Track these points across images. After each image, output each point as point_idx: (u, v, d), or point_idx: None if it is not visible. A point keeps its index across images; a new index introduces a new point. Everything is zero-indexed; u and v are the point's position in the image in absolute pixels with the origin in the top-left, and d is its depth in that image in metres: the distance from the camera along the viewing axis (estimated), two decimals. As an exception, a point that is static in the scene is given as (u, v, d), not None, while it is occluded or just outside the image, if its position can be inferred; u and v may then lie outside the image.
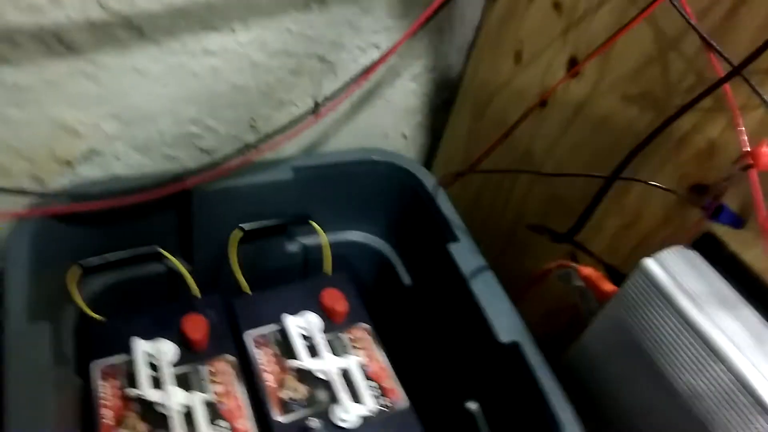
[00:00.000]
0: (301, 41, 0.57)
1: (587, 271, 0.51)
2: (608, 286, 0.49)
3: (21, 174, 0.54)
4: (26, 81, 0.48)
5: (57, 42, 0.47)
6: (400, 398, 0.57)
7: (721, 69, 0.40)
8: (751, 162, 0.36)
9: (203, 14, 0.51)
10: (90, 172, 0.57)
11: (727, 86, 0.40)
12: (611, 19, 0.48)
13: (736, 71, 0.38)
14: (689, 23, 0.41)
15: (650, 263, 0.43)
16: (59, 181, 0.56)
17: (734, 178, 0.40)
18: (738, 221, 0.42)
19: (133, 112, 0.54)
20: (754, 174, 0.37)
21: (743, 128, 0.39)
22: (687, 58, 0.45)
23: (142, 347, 0.54)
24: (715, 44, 0.40)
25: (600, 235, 0.54)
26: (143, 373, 0.52)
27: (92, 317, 0.56)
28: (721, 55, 0.40)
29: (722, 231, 0.44)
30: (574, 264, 0.52)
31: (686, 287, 0.42)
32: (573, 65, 0.53)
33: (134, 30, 0.49)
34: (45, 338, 0.43)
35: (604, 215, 0.53)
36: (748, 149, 0.38)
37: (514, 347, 0.52)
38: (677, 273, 0.43)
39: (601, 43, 0.47)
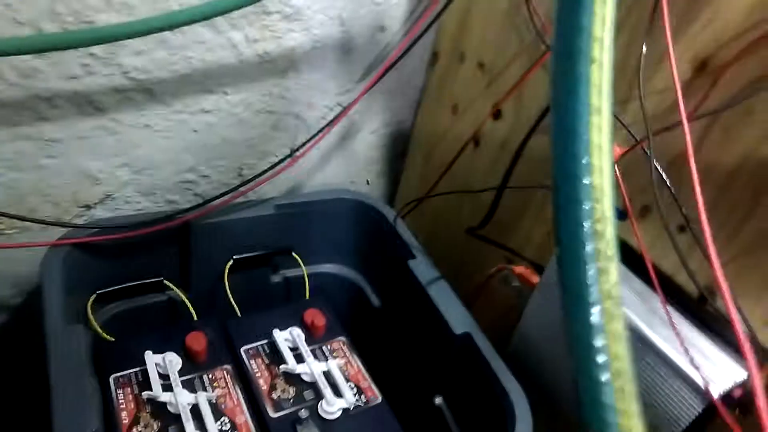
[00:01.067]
0: (280, 102, 0.70)
1: (519, 269, 0.63)
2: (536, 278, 0.61)
3: (46, 215, 0.64)
4: (59, 136, 0.60)
5: (87, 104, 0.59)
6: (376, 395, 0.66)
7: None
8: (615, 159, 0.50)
9: (202, 80, 0.64)
10: (103, 215, 0.68)
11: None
12: (519, 71, 0.64)
13: None
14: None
15: (562, 250, 0.56)
16: (78, 223, 0.66)
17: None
18: (622, 215, 0.55)
19: (142, 162, 0.66)
20: (618, 169, 0.51)
21: (615, 145, 0.53)
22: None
23: (153, 358, 0.63)
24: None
25: (530, 243, 0.67)
26: (155, 379, 0.61)
27: (105, 338, 0.64)
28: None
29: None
30: (509, 266, 0.64)
31: (590, 266, 0.55)
32: (496, 110, 0.68)
33: (148, 93, 0.61)
34: (82, 337, 0.52)
35: (533, 226, 0.66)
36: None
37: (467, 337, 0.63)
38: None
39: (510, 88, 0.62)
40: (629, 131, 0.51)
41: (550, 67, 0.20)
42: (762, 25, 0.43)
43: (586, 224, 0.18)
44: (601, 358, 0.18)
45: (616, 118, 0.53)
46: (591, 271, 0.18)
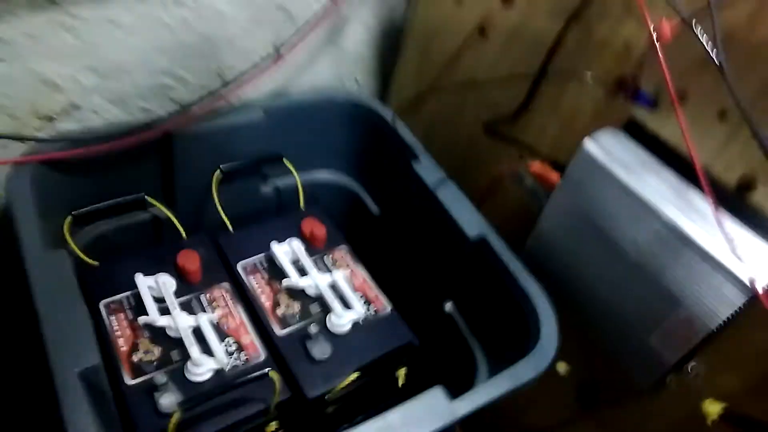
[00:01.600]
0: (262, -11, 0.62)
1: (536, 165, 0.59)
2: (555, 176, 0.57)
3: (3, 130, 0.56)
4: (8, 35, 0.51)
5: (39, -5, 0.50)
6: (384, 305, 0.63)
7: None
8: (655, 37, 0.45)
9: (172, -36, 0.55)
10: (69, 128, 0.60)
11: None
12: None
13: None
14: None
15: (588, 142, 0.52)
16: (40, 136, 0.58)
17: (645, 62, 0.48)
18: (652, 102, 0.51)
19: (108, 65, 0.58)
20: (659, 50, 0.45)
21: (648, 18, 0.48)
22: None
23: (144, 281, 0.58)
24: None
25: (543, 137, 0.62)
26: (150, 303, 0.56)
27: (87, 263, 0.59)
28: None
29: (642, 116, 0.53)
30: (523, 164, 0.60)
31: (619, 160, 0.51)
32: (505, -5, 0.61)
33: (109, -20, 0.53)
34: (66, 262, 0.47)
35: (546, 119, 0.61)
36: (652, 27, 0.46)
37: (482, 241, 0.59)
38: (611, 149, 0.52)
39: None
40: (673, 6, 0.45)
41: None
42: None
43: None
44: None
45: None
46: None
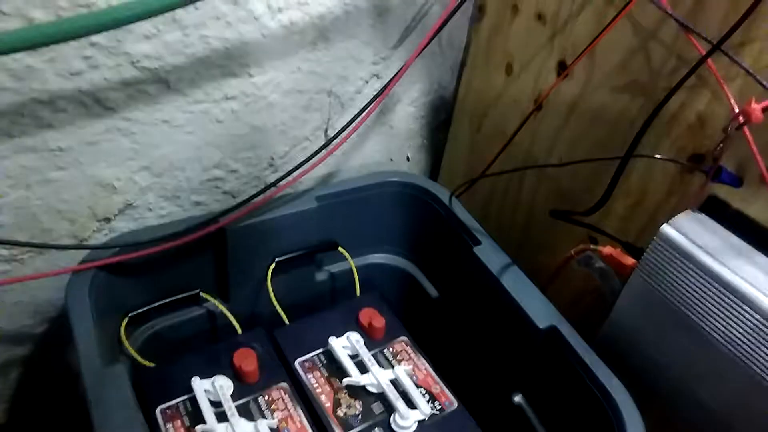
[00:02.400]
0: (311, 78, 0.61)
1: (607, 249, 0.55)
2: (629, 260, 0.53)
3: (62, 234, 0.56)
4: (67, 143, 0.51)
5: (95, 103, 0.50)
6: (451, 400, 0.59)
7: (701, 48, 0.46)
8: (743, 120, 0.41)
9: (222, 62, 0.55)
10: (125, 227, 0.60)
11: (709, 62, 0.45)
12: (593, 20, 0.54)
13: (717, 47, 0.43)
14: (666, 12, 0.47)
15: (667, 228, 0.48)
16: (98, 238, 0.58)
17: (729, 139, 0.45)
18: (737, 180, 0.47)
19: (163, 163, 0.58)
20: (747, 131, 0.42)
21: (730, 95, 0.44)
22: (666, 45, 0.50)
23: (201, 385, 0.55)
24: (692, 26, 0.46)
25: (610, 218, 0.59)
26: (207, 409, 0.54)
27: (144, 365, 0.57)
28: (699, 35, 0.45)
29: (724, 193, 0.49)
30: (594, 246, 0.56)
31: (703, 245, 0.47)
32: (562, 68, 0.59)
33: (162, 83, 0.53)
34: (124, 379, 0.45)
35: (612, 199, 0.58)
36: (738, 110, 0.43)
37: (553, 331, 0.55)
38: (692, 234, 0.48)
39: (587, 45, 0.52)
40: (758, 79, 0.42)
41: None
42: None
43: None
44: None
45: (737, 62, 0.44)
46: None
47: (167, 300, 0.60)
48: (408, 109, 0.73)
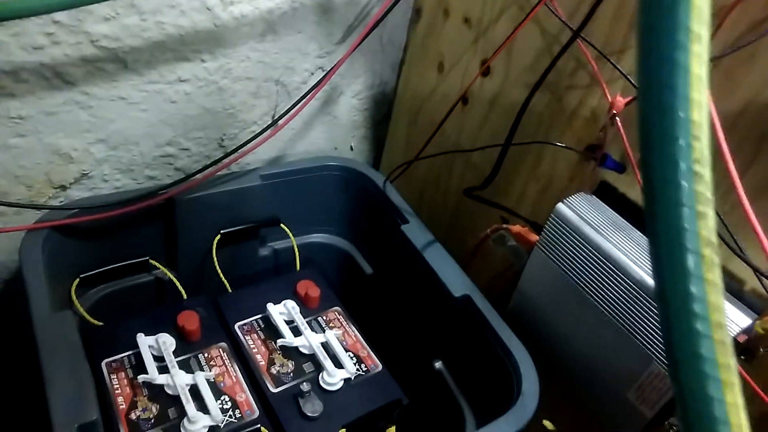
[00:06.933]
0: (260, 67, 0.67)
1: (516, 228, 0.62)
2: (534, 237, 0.60)
3: (19, 198, 0.60)
4: (27, 112, 0.56)
5: (55, 76, 0.55)
6: (376, 363, 0.65)
7: (588, 52, 0.54)
8: (613, 111, 0.49)
9: (177, 47, 0.60)
10: (80, 195, 0.64)
11: (594, 63, 0.53)
12: (509, 24, 0.61)
13: (577, 33, 0.50)
14: (561, 20, 0.54)
15: (561, 206, 0.55)
16: (54, 204, 0.63)
17: (607, 128, 0.52)
18: (620, 167, 0.54)
19: (118, 137, 0.63)
20: (618, 121, 0.50)
21: (607, 92, 0.52)
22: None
23: (145, 341, 0.60)
24: (582, 35, 0.53)
25: (524, 201, 0.66)
26: (150, 362, 0.59)
27: (92, 323, 0.62)
28: (584, 39, 0.53)
29: (613, 179, 0.57)
30: (505, 225, 0.63)
31: (590, 221, 0.54)
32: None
33: (120, 63, 0.58)
34: (71, 323, 0.50)
35: (526, 184, 0.65)
36: (610, 100, 0.50)
37: (467, 299, 0.62)
38: (582, 212, 0.55)
39: (500, 44, 0.60)
40: (629, 79, 0.49)
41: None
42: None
43: (684, 164, 0.16)
44: (699, 308, 0.17)
45: (615, 66, 0.51)
46: (688, 215, 0.16)
47: (118, 265, 0.65)
48: (352, 102, 0.79)
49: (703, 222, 0.16)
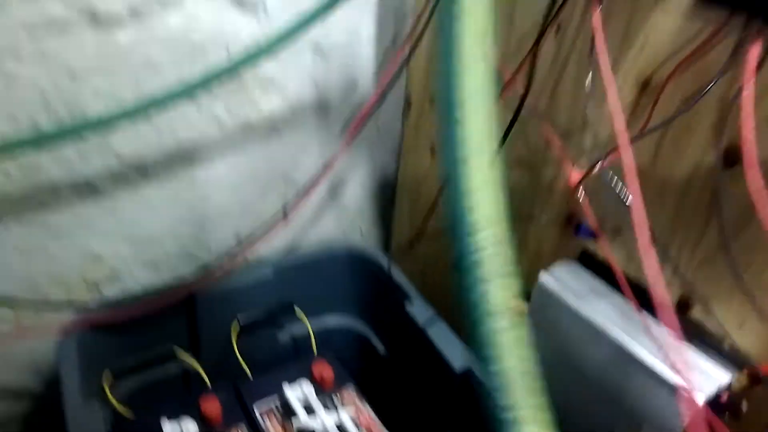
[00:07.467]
0: (266, 166, 0.74)
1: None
2: (525, 307, 0.63)
3: (57, 297, 0.68)
4: (60, 220, 0.64)
5: (85, 187, 0.63)
6: (388, 440, 0.68)
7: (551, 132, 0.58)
8: (572, 184, 0.53)
9: (192, 154, 0.68)
10: (111, 291, 0.71)
11: (556, 140, 0.57)
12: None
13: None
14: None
15: (544, 276, 0.58)
16: (86, 299, 0.70)
17: (575, 200, 0.56)
18: (592, 234, 0.57)
19: (142, 236, 0.70)
20: (582, 192, 0.53)
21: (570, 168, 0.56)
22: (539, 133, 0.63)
23: (168, 426, 0.65)
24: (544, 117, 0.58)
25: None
26: (173, 447, 0.63)
27: (123, 416, 0.67)
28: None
29: (594, 246, 0.60)
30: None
31: (572, 288, 0.57)
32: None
33: (141, 171, 0.66)
34: (99, 412, 0.55)
35: (518, 257, 0.68)
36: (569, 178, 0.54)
37: (468, 373, 0.64)
38: (564, 279, 0.58)
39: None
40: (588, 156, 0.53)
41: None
42: (687, 46, 0.46)
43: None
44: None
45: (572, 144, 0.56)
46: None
47: (146, 359, 0.71)
48: (357, 189, 0.85)
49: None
